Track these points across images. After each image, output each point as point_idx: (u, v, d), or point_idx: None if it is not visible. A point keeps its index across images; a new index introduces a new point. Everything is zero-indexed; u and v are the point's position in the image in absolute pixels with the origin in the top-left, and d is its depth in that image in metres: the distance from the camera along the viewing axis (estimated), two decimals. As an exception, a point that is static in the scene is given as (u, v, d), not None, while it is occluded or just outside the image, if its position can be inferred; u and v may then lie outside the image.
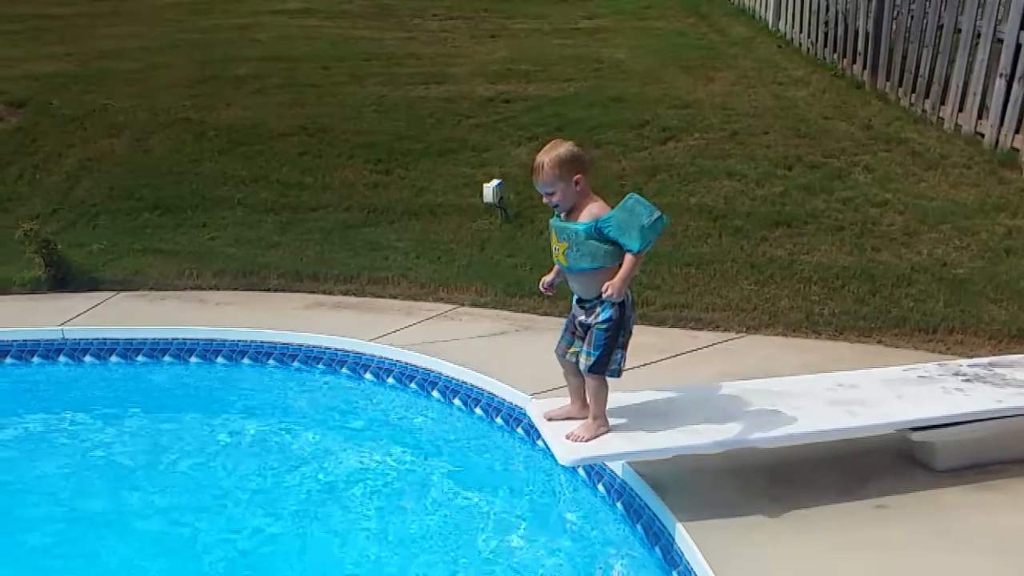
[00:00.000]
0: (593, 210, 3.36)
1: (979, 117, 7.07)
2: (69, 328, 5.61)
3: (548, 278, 3.64)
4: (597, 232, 3.32)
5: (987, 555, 3.23)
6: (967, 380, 3.91)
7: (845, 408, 3.70)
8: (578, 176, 3.34)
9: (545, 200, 3.42)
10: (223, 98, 8.81)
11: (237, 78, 9.35)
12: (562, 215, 3.45)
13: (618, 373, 3.48)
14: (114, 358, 5.51)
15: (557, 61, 9.67)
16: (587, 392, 3.54)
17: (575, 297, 3.54)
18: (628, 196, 3.37)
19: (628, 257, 3.30)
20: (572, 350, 3.54)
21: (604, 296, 3.30)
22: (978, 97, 7.03)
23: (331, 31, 11.33)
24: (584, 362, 3.44)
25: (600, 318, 3.40)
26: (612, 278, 3.32)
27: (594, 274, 3.38)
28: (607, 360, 3.42)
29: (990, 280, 5.42)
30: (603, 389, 3.49)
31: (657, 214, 3.32)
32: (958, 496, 3.56)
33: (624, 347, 3.47)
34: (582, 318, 3.48)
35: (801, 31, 10.15)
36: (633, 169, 7.17)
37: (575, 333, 3.54)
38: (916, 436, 3.66)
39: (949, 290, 5.35)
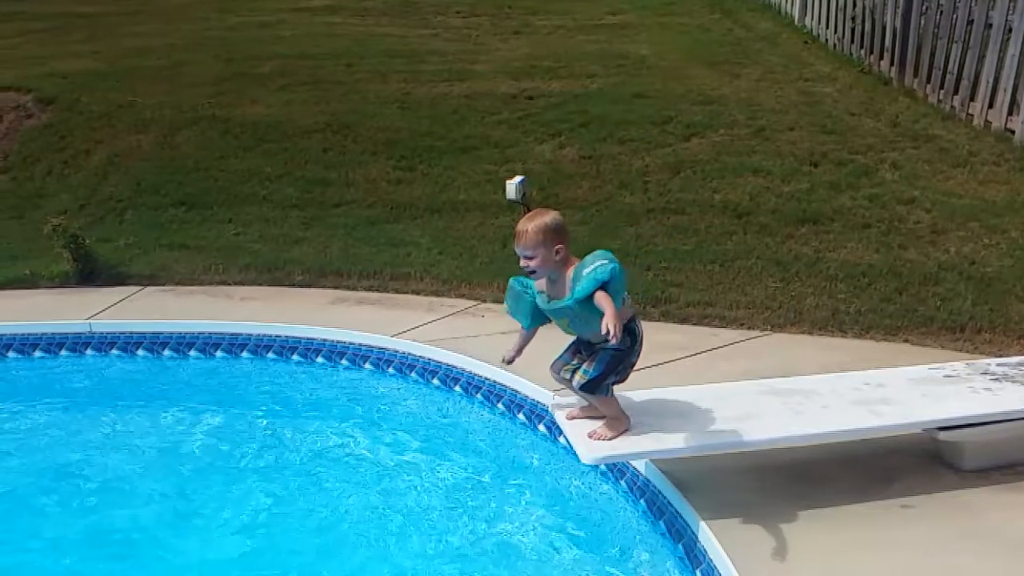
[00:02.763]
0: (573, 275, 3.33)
1: (1010, 113, 6.97)
2: (96, 322, 5.68)
3: (511, 354, 3.64)
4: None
5: (1014, 557, 3.19)
6: (995, 379, 3.86)
7: (870, 407, 3.66)
8: (559, 246, 3.32)
9: (522, 263, 3.37)
10: (248, 95, 8.88)
11: (262, 75, 9.41)
12: (542, 287, 3.41)
13: (606, 392, 3.48)
14: (140, 352, 5.57)
15: (580, 57, 9.64)
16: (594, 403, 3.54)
17: (585, 340, 3.52)
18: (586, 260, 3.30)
19: (597, 294, 3.20)
20: (568, 367, 3.53)
21: (610, 340, 3.16)
22: (1008, 93, 6.94)
23: (354, 28, 11.38)
24: (579, 379, 3.44)
25: (610, 344, 3.37)
26: (618, 316, 3.31)
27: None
28: (600, 382, 3.42)
29: (1019, 279, 5.34)
30: (606, 398, 3.49)
31: (603, 269, 3.21)
32: (984, 497, 3.52)
33: (619, 374, 3.46)
34: (590, 343, 3.47)
35: (828, 27, 10.06)
36: (656, 166, 7.14)
37: (576, 353, 3.53)
38: (943, 436, 3.61)
39: (977, 289, 5.29)
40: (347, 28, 11.40)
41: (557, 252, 3.32)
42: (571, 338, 3.59)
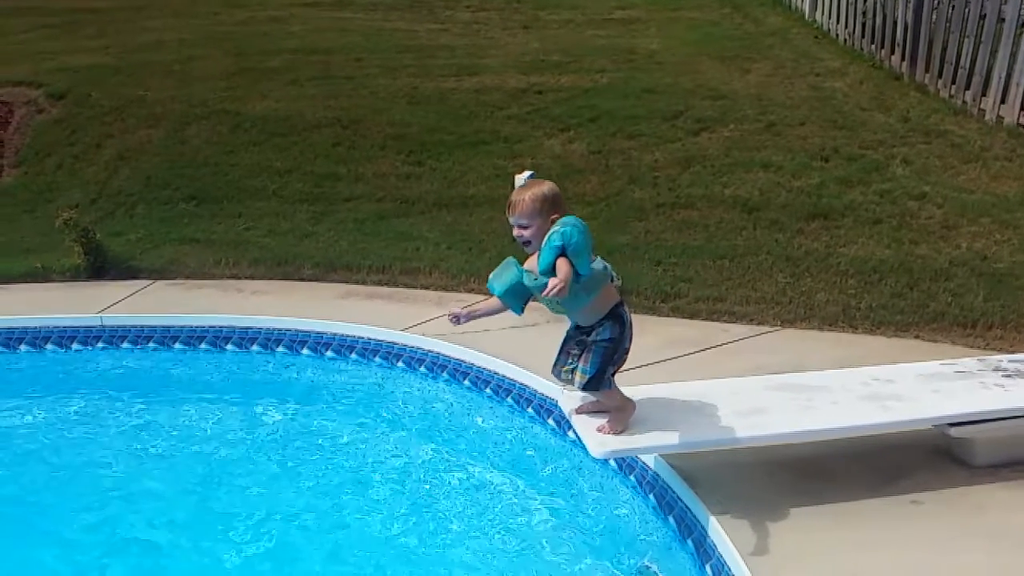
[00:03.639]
0: None
1: (1022, 108, 6.93)
2: (108, 315, 5.71)
3: (462, 312, 3.47)
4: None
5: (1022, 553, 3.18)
6: (1007, 376, 3.85)
7: (881, 403, 3.66)
8: (555, 216, 3.25)
9: (516, 233, 3.31)
10: (258, 90, 8.89)
11: (272, 70, 9.43)
12: (531, 266, 3.33)
13: (609, 386, 3.47)
14: (151, 345, 5.60)
15: (590, 52, 9.63)
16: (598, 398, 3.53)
17: (574, 324, 3.50)
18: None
19: (558, 261, 3.15)
20: (566, 368, 3.50)
21: (543, 295, 3.13)
22: (1021, 88, 6.90)
23: (364, 23, 11.39)
24: (579, 379, 3.42)
25: (600, 336, 3.39)
26: (606, 300, 3.34)
27: (592, 304, 3.35)
28: (600, 377, 3.40)
29: (1031, 275, 5.32)
30: (609, 391, 3.48)
31: (554, 236, 3.15)
32: (994, 493, 3.51)
33: (615, 364, 3.44)
34: (581, 337, 3.45)
35: (838, 21, 10.01)
36: (666, 161, 7.12)
37: (571, 352, 3.50)
38: (955, 432, 3.60)
39: (989, 284, 5.26)
40: (356, 23, 11.41)
41: (552, 223, 3.24)
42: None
